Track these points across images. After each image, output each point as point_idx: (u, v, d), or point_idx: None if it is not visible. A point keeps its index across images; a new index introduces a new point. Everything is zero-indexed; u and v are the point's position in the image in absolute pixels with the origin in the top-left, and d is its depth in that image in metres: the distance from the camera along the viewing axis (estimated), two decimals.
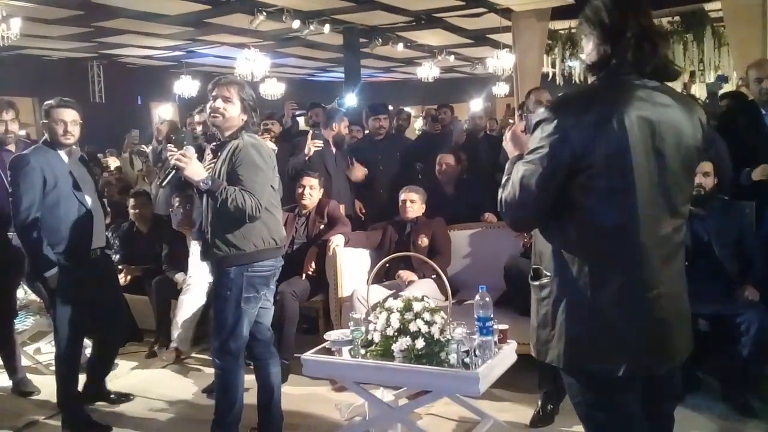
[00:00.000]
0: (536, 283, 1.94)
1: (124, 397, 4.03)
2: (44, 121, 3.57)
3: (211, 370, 3.35)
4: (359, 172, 5.50)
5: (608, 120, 1.76)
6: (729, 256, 3.62)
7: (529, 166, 1.84)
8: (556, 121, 1.79)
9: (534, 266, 1.96)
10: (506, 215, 1.95)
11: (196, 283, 4.64)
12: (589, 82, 1.96)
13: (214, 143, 3.27)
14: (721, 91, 6.11)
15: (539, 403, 3.49)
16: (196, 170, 3.04)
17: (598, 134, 1.76)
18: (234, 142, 3.10)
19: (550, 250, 1.89)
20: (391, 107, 8.36)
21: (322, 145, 5.10)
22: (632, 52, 1.82)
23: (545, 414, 3.44)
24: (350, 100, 9.88)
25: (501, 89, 13.88)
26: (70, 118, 3.55)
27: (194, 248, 4.54)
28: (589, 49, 1.91)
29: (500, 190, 1.95)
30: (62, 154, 3.58)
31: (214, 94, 3.14)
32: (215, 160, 3.16)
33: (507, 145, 2.09)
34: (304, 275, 4.55)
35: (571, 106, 1.85)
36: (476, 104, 10.75)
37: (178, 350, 4.65)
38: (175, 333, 4.64)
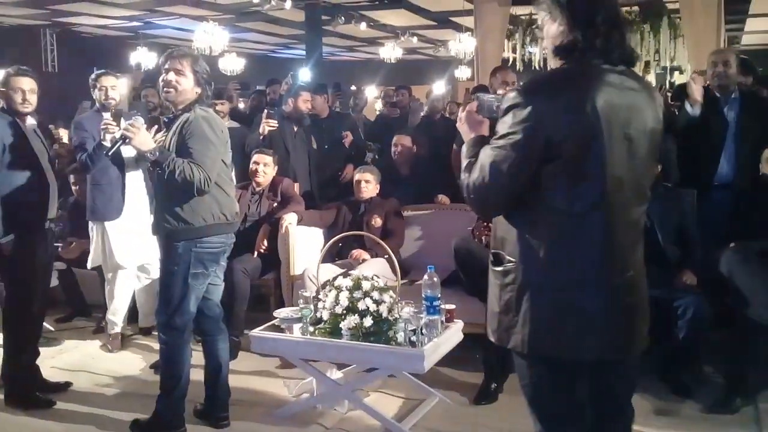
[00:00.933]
0: (499, 268, 1.88)
1: (61, 387, 3.76)
2: (2, 89, 3.56)
3: (158, 346, 3.33)
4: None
5: (580, 105, 1.73)
6: (670, 241, 3.72)
7: (499, 152, 1.78)
8: (530, 108, 1.74)
9: (494, 251, 1.91)
10: (474, 201, 1.88)
11: (121, 271, 4.39)
12: (554, 66, 1.88)
13: (167, 116, 3.23)
14: (672, 80, 6.25)
15: (483, 381, 3.55)
16: (144, 140, 3.02)
17: (570, 120, 1.73)
18: (185, 115, 3.06)
19: (515, 235, 1.84)
20: (353, 87, 8.32)
21: (277, 125, 5.06)
22: (602, 39, 1.79)
23: (489, 392, 3.50)
24: (304, 75, 9.77)
25: (463, 73, 13.94)
26: (28, 86, 3.56)
27: (115, 239, 4.30)
28: (553, 31, 1.84)
29: (464, 175, 1.87)
30: (19, 122, 3.56)
31: (166, 66, 3.08)
32: (167, 133, 3.13)
33: (462, 126, 2.02)
34: (256, 253, 4.53)
35: (544, 91, 1.80)
36: (439, 87, 10.76)
37: (122, 334, 4.53)
38: (116, 319, 4.44)
